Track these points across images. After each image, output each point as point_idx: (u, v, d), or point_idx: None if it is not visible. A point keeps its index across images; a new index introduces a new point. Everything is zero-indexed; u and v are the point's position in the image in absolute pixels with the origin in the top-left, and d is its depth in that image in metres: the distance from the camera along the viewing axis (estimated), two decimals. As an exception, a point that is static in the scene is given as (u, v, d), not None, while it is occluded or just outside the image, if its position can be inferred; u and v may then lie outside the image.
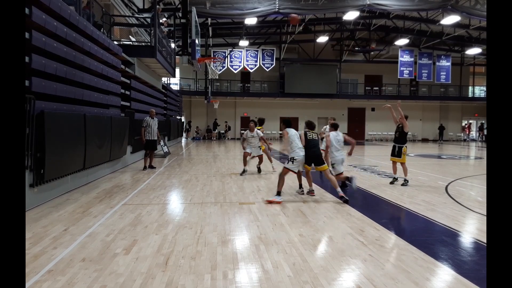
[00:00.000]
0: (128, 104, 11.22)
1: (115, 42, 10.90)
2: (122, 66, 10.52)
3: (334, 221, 5.16)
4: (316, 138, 6.81)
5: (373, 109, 30.84)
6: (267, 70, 26.97)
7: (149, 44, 12.60)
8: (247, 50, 26.51)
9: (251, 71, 27.24)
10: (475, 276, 3.35)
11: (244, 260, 3.66)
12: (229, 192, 7.21)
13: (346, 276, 3.36)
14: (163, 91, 18.06)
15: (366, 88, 30.78)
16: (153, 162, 10.69)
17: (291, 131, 6.68)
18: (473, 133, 33.03)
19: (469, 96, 32.10)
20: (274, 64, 26.82)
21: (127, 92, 11.24)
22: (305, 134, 6.74)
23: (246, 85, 29.78)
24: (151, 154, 10.55)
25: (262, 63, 26.66)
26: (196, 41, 11.44)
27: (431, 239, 4.51)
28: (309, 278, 3.24)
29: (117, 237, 4.29)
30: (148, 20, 13.02)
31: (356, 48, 28.38)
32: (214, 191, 7.22)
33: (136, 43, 14.31)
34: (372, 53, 28.99)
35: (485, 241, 4.37)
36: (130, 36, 15.17)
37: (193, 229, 4.67)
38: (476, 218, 5.56)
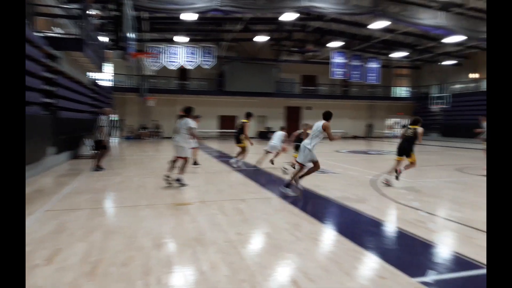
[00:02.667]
0: (53, 101, 10.31)
1: (39, 34, 9.95)
2: (46, 60, 9.63)
3: (271, 218, 5.24)
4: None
5: (309, 108, 32.00)
6: (207, 67, 26.60)
7: (77, 37, 11.70)
8: (185, 47, 25.90)
9: (190, 68, 26.62)
10: (398, 262, 3.61)
11: (180, 263, 3.55)
12: (164, 193, 6.95)
13: (282, 271, 3.43)
14: (93, 87, 16.93)
15: (302, 87, 31.90)
16: (101, 163, 9.90)
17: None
18: (396, 130, 35.83)
19: (394, 96, 34.85)
20: (213, 62, 26.54)
21: (53, 88, 10.32)
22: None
23: (185, 82, 29.13)
24: (103, 153, 9.92)
25: (201, 61, 26.22)
26: (130, 35, 10.89)
27: (361, 230, 4.79)
28: (247, 276, 3.24)
29: (38, 246, 3.91)
30: (78, 11, 12.10)
31: (294, 49, 29.25)
32: (148, 193, 6.92)
33: (63, 36, 13.23)
34: (308, 54, 30.10)
35: (406, 229, 4.74)
36: (55, 28, 13.98)
37: (125, 234, 4.42)
38: (399, 209, 6.02)
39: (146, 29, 23.32)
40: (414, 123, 8.32)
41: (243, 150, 10.73)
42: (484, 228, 4.90)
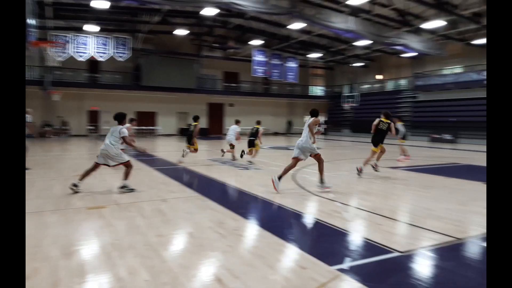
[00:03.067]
0: None
1: None
2: None
3: (194, 217, 5.11)
4: None
5: (231, 105, 32.19)
6: (121, 60, 24.83)
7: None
8: (96, 37, 23.89)
9: (101, 60, 24.59)
10: (318, 252, 3.78)
11: (94, 271, 3.24)
12: (74, 196, 6.32)
13: (206, 271, 3.35)
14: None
15: (225, 84, 31.93)
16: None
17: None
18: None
19: (311, 94, 36.90)
20: (128, 54, 24.88)
21: None
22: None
23: (95, 75, 26.91)
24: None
25: (115, 52, 24.40)
26: (30, 22, 9.68)
27: (283, 223, 4.93)
28: (169, 279, 3.09)
29: None
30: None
31: (215, 45, 29.05)
32: (54, 197, 6.22)
33: None
34: (230, 50, 30.18)
35: (324, 219, 5.01)
36: None
37: (27, 243, 3.89)
38: (317, 201, 6.35)
39: (49, 16, 21.01)
40: (386, 117, 9.29)
41: (195, 151, 11.54)
42: (390, 215, 5.42)
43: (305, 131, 7.00)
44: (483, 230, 4.64)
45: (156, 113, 27.12)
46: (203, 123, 30.55)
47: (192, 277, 3.16)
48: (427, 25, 20.92)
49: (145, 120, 27.57)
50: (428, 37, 22.96)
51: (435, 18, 20.52)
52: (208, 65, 30.48)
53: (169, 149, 16.99)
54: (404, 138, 13.57)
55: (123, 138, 6.65)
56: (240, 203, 6.23)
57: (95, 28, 22.95)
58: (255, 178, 8.55)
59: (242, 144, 12.46)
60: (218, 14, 21.55)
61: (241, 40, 28.55)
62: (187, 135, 11.55)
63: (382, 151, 9.40)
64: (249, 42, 27.41)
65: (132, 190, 6.69)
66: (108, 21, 24.08)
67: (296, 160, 7.02)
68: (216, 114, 31.91)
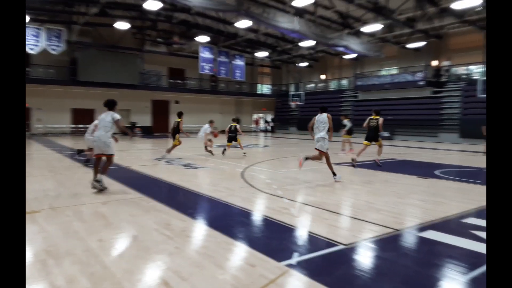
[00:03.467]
0: None
1: None
2: None
3: (138, 219, 4.88)
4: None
5: (177, 102, 31.39)
6: (55, 53, 22.96)
7: None
8: (26, 27, 21.91)
9: (32, 52, 22.56)
10: (267, 249, 3.80)
11: (27, 281, 2.95)
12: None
13: (152, 274, 3.20)
14: None
15: (170, 80, 31.04)
16: None
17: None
18: (261, 125, 38.44)
19: (258, 92, 37.24)
20: (63, 47, 23.05)
21: None
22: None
23: (26, 69, 24.69)
24: None
25: (47, 45, 22.52)
26: None
27: (232, 222, 4.88)
28: (111, 285, 2.91)
29: None
30: None
31: (159, 39, 28.10)
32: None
33: None
34: (175, 46, 29.38)
35: (272, 216, 5.06)
36: None
37: None
38: (266, 198, 6.40)
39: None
40: (377, 114, 10.78)
41: (174, 146, 12.08)
42: (335, 209, 5.62)
43: (323, 127, 8.12)
44: (419, 221, 4.98)
45: (94, 110, 25.55)
46: (146, 120, 29.52)
47: (137, 282, 3.01)
48: (366, 28, 22.09)
49: (82, 117, 25.80)
50: (367, 39, 24.27)
51: (373, 21, 21.75)
52: (152, 60, 29.41)
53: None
54: (350, 133, 14.38)
55: (117, 122, 6.50)
56: (187, 203, 6.07)
57: (25, 18, 21.04)
58: (203, 177, 8.42)
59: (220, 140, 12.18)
60: (162, 8, 20.89)
61: (186, 35, 27.97)
62: (172, 132, 12.23)
63: (380, 146, 10.85)
64: (195, 38, 26.93)
65: (105, 188, 6.52)
66: (40, 11, 22.23)
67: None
68: (161, 112, 30.91)
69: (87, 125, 9.82)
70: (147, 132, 28.28)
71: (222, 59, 29.03)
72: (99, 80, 25.60)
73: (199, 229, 4.63)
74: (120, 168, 9.71)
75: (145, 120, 29.52)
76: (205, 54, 27.54)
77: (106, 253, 3.64)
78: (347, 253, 3.76)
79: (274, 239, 4.17)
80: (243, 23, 20.80)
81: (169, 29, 27.54)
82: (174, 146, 12.12)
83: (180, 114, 12.32)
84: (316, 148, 8.15)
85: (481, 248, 3.92)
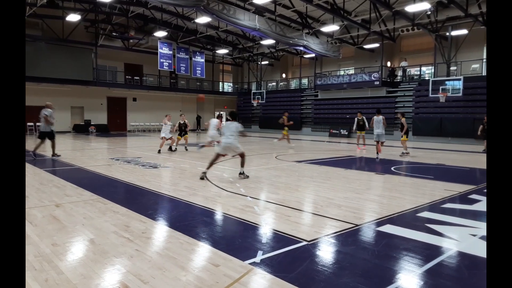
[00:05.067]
0: None
1: None
2: None
3: (95, 222, 4.65)
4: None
5: (134, 99, 30.37)
6: None
7: None
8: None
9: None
10: (230, 248, 3.76)
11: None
12: None
13: (111, 278, 3.06)
14: None
15: (127, 77, 29.90)
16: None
17: None
18: (223, 123, 38.28)
19: (220, 90, 36.95)
20: (9, 40, 21.48)
21: None
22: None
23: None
24: (53, 142, 11.19)
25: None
26: None
27: (194, 221, 4.79)
28: (65, 295, 2.74)
29: None
30: None
31: (114, 34, 26.96)
32: None
33: None
34: (131, 41, 28.34)
35: (236, 215, 5.03)
36: None
37: None
38: (229, 196, 6.35)
39: None
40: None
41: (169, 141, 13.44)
42: (297, 206, 5.70)
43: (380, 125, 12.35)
44: (377, 215, 5.18)
45: (43, 107, 23.88)
46: (101, 118, 28.28)
47: (94, 287, 2.86)
48: (324, 29, 22.64)
49: (30, 115, 24.11)
50: (326, 40, 24.89)
51: (331, 22, 22.34)
52: (106, 56, 28.14)
53: (62, 147, 15.27)
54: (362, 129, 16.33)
55: (241, 131, 8.01)
56: (147, 204, 5.88)
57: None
58: (163, 177, 8.20)
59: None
60: (117, 1, 20.09)
61: (143, 30, 27.11)
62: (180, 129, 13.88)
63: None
64: (153, 34, 26.17)
65: (247, 176, 8.05)
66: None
67: None
68: (117, 109, 29.66)
69: (39, 124, 10.18)
70: (103, 131, 27.11)
71: (182, 55, 28.49)
72: (48, 76, 24.05)
73: (160, 230, 4.49)
74: (74, 168, 9.22)
75: (100, 118, 28.25)
76: (164, 50, 26.87)
77: (60, 258, 3.43)
78: (310, 249, 3.81)
79: (237, 238, 4.15)
80: (203, 19, 20.52)
81: (125, 23, 26.50)
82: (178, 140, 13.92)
83: (181, 115, 14.77)
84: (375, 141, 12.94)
85: (435, 240, 4.15)
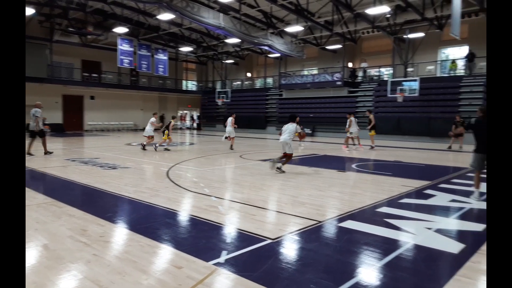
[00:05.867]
0: None
1: None
2: None
3: (49, 226, 4.39)
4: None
5: (92, 98, 29.10)
6: None
7: None
8: None
9: None
10: (194, 249, 3.69)
11: None
12: None
13: (67, 285, 2.90)
14: None
15: (84, 74, 28.58)
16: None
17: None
18: (187, 122, 37.64)
19: (183, 89, 36.30)
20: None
21: None
22: None
23: None
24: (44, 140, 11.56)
25: None
26: None
27: (156, 223, 4.65)
28: (14, 306, 2.54)
29: None
30: None
31: (70, 29, 25.67)
32: None
33: None
34: (89, 36, 27.13)
35: (200, 215, 4.95)
36: None
37: None
38: (193, 197, 6.25)
39: None
40: (369, 112, 13.89)
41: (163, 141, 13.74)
42: (262, 205, 5.70)
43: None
44: (339, 212, 5.29)
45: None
46: (56, 117, 26.86)
47: (46, 298, 2.68)
48: (289, 29, 22.91)
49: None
50: (290, 40, 25.21)
51: (295, 23, 22.65)
52: (62, 52, 26.70)
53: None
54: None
55: (299, 132, 9.39)
56: (106, 206, 5.64)
57: None
58: (123, 178, 7.91)
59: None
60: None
61: (102, 26, 26.04)
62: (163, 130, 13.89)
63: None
64: (113, 30, 25.23)
65: (283, 172, 8.77)
66: None
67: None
68: (73, 108, 28.19)
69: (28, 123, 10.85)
70: (58, 130, 25.77)
71: (143, 52, 27.68)
72: (-1, 72, 22.49)
73: (120, 233, 4.32)
74: (26, 170, 8.68)
75: (55, 117, 26.78)
76: (124, 46, 25.95)
77: (8, 267, 3.19)
78: (274, 247, 3.82)
79: (201, 239, 4.07)
80: (166, 16, 20.05)
81: (82, 18, 25.32)
82: (164, 140, 13.76)
83: (173, 117, 14.90)
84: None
85: (393, 234, 4.31)
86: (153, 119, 14.16)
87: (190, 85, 37.65)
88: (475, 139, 6.12)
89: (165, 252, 3.68)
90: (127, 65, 26.47)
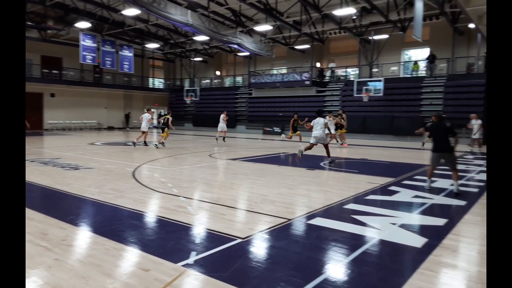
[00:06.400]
0: None
1: None
2: None
3: (5, 230, 4.12)
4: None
5: (52, 95, 27.77)
6: None
7: None
8: None
9: None
10: (162, 251, 3.60)
11: None
12: None
13: (22, 296, 2.71)
14: None
15: (44, 70, 27.20)
16: None
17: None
18: (154, 121, 36.60)
19: (150, 86, 35.44)
20: None
21: None
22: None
23: None
24: None
25: None
26: None
27: (122, 225, 4.50)
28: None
29: None
30: None
31: (29, 23, 24.33)
32: None
33: None
34: (49, 31, 25.84)
35: (168, 216, 4.84)
36: None
37: None
38: (160, 197, 6.10)
39: None
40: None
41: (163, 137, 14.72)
42: (232, 204, 5.66)
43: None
44: (308, 209, 5.35)
45: None
46: (17, 116, 25.41)
47: (1, 308, 2.51)
48: (258, 28, 22.95)
49: None
50: (259, 39, 25.27)
51: (264, 22, 22.72)
52: (21, 46, 25.31)
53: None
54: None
55: (325, 124, 10.33)
56: (68, 208, 5.39)
57: None
58: (86, 179, 7.60)
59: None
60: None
61: (63, 20, 24.88)
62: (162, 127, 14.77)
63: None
64: (75, 25, 24.18)
65: (334, 161, 10.45)
66: None
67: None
68: (32, 106, 26.67)
69: None
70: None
71: (108, 48, 26.75)
72: None
73: (83, 236, 4.14)
74: None
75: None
76: (87, 42, 24.93)
77: (-43, 276, 2.97)
78: (244, 246, 3.80)
79: (169, 240, 3.98)
80: (131, 12, 19.46)
81: (41, 12, 24.08)
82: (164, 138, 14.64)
83: (168, 113, 15.60)
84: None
85: (360, 230, 4.41)
86: (148, 115, 14.79)
87: (157, 82, 36.82)
88: (432, 140, 6.82)
89: (132, 255, 3.56)
90: (90, 61, 25.46)
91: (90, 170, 8.65)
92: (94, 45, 25.40)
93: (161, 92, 36.00)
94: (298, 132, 17.31)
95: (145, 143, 14.79)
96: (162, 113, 36.43)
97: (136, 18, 23.79)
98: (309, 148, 10.25)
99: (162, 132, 14.65)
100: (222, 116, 16.84)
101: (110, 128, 30.99)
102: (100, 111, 30.53)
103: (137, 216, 4.91)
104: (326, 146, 10.35)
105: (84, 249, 3.76)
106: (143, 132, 14.70)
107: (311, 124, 10.36)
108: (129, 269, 3.25)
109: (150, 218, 4.90)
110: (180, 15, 16.98)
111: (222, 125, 16.73)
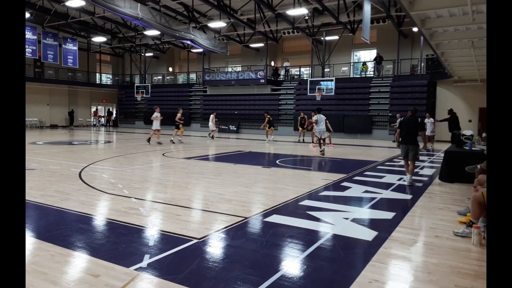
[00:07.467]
0: None
1: None
2: None
3: None
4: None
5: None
6: None
7: None
8: None
9: None
10: (112, 255, 3.42)
11: None
12: None
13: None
14: None
15: (-22, 63, 24.85)
16: None
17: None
18: (102, 119, 34.89)
19: (97, 82, 33.64)
20: None
21: None
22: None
23: None
24: None
25: None
26: None
27: (68, 230, 4.22)
28: None
29: None
30: None
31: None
32: None
33: None
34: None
35: (118, 219, 4.62)
36: None
37: None
38: (110, 199, 5.81)
39: None
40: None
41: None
42: (187, 204, 5.54)
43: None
44: (264, 207, 5.38)
45: None
46: None
47: None
48: (212, 24, 22.70)
49: None
50: (213, 35, 25.01)
51: (218, 19, 22.51)
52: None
53: None
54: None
55: (325, 120, 12.21)
56: (6, 212, 4.94)
57: None
58: (27, 181, 7.04)
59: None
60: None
61: None
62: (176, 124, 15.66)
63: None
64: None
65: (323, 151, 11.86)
66: None
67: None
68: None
69: None
70: None
71: (49, 41, 25.04)
72: None
73: (25, 242, 3.81)
74: None
75: None
76: (26, 34, 23.15)
77: None
78: (200, 246, 3.73)
79: (121, 244, 3.79)
80: (75, 3, 18.36)
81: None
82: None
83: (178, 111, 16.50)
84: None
85: (314, 226, 4.51)
86: (157, 114, 15.39)
87: (105, 78, 35.03)
88: (400, 133, 7.58)
89: (80, 261, 3.34)
90: (29, 55, 23.64)
91: (31, 172, 8.01)
92: (34, 37, 23.64)
93: (109, 89, 34.38)
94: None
95: (148, 141, 15.08)
96: (113, 111, 34.89)
97: (81, 9, 22.51)
98: (319, 142, 12.23)
99: (177, 128, 15.86)
100: (212, 116, 19.21)
101: (53, 127, 29.04)
102: (42, 108, 28.49)
103: (85, 220, 4.63)
104: (324, 140, 12.38)
105: (27, 255, 3.46)
106: (157, 131, 15.33)
107: (315, 119, 12.02)
108: (77, 276, 3.05)
109: (99, 221, 4.64)
110: (129, 8, 16.30)
111: (211, 124, 19.03)
